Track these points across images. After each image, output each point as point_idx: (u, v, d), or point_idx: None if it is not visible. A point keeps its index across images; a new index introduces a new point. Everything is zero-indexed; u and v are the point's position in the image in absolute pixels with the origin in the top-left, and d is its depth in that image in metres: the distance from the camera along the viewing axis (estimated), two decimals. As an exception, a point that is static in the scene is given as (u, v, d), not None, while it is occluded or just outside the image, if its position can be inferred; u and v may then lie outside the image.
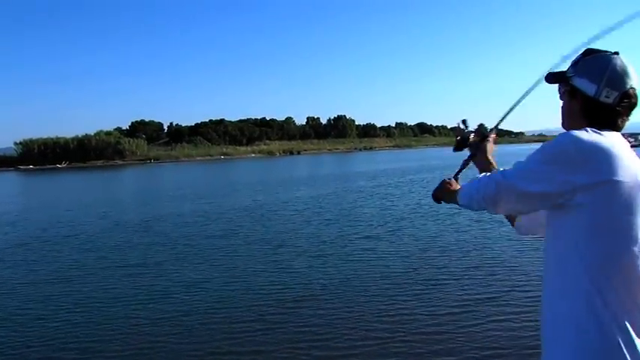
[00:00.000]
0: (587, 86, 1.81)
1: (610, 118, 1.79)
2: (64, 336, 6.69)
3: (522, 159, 1.79)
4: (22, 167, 65.11)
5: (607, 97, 1.77)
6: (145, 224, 15.84)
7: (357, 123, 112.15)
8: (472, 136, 2.39)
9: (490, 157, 2.34)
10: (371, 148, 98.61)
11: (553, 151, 1.70)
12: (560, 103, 1.96)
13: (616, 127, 1.80)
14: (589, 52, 1.86)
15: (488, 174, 1.90)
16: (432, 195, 2.35)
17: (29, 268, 10.72)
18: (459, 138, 2.40)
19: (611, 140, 1.68)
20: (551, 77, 1.99)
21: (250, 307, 7.39)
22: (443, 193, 2.29)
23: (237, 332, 6.46)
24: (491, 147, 2.37)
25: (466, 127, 2.41)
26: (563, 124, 1.93)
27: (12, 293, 8.92)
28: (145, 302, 7.92)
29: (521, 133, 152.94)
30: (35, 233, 15.13)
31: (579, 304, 1.67)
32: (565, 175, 1.65)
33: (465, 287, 7.79)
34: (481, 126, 2.43)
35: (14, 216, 19.65)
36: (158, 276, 9.49)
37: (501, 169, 1.86)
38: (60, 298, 8.44)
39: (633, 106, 1.81)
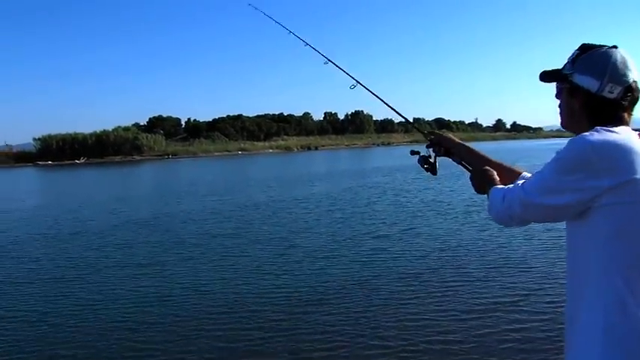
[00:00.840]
0: (589, 82, 1.75)
1: (615, 113, 1.74)
2: (64, 335, 6.53)
3: (540, 169, 1.77)
4: (40, 163, 65.58)
5: (610, 92, 1.73)
6: (156, 221, 15.66)
7: (374, 118, 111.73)
8: (433, 156, 2.45)
9: (477, 156, 2.27)
10: (389, 144, 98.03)
11: (573, 159, 1.66)
12: (557, 101, 1.91)
13: (623, 122, 1.74)
14: (586, 48, 1.80)
15: (509, 190, 1.88)
16: (475, 187, 2.20)
17: (39, 263, 10.66)
18: (426, 166, 2.46)
19: (627, 136, 1.66)
20: (546, 76, 1.92)
21: (261, 309, 7.14)
22: (485, 183, 2.12)
23: (249, 333, 6.29)
24: (458, 144, 2.36)
25: (424, 155, 2.48)
26: (563, 123, 1.90)
27: (19, 288, 8.83)
28: (149, 302, 7.71)
29: (540, 129, 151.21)
30: (46, 229, 15.06)
31: (611, 305, 1.63)
32: (590, 182, 1.62)
33: (483, 290, 7.44)
34: (433, 138, 2.47)
35: (28, 212, 19.60)
36: (163, 276, 9.27)
37: (521, 183, 1.84)
38: (64, 295, 8.31)
39: (636, 100, 1.77)
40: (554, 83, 1.91)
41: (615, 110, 1.73)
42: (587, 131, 1.68)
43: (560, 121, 1.92)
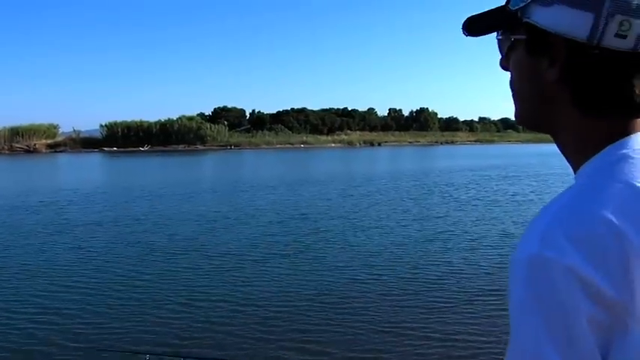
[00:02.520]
0: (570, 19, 0.75)
1: (631, 90, 0.75)
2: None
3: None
4: (106, 149, 66.54)
5: (621, 34, 0.73)
6: (203, 216, 15.05)
7: (439, 116, 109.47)
8: None
9: None
10: (452, 142, 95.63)
11: (545, 286, 0.67)
12: (508, 76, 0.89)
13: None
14: None
15: None
16: None
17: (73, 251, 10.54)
18: None
19: None
20: (476, 23, 0.87)
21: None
22: None
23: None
24: None
25: None
26: (521, 115, 0.90)
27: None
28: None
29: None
30: (100, 215, 15.07)
31: None
32: (595, 307, 0.65)
33: None
34: None
35: (85, 196, 19.66)
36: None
37: None
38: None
39: None
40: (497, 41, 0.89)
41: (633, 79, 0.75)
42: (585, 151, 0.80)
43: (514, 111, 0.90)
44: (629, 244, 0.66)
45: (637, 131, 0.77)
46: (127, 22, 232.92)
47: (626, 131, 0.77)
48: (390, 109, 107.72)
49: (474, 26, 0.86)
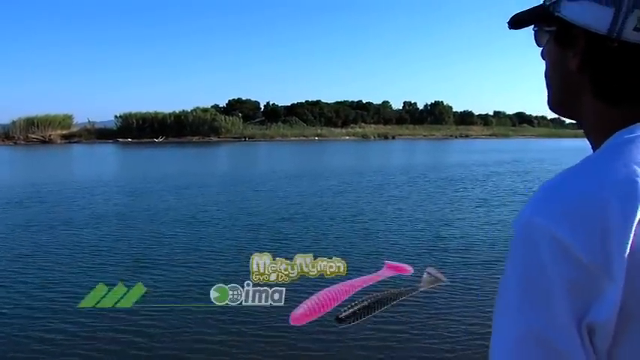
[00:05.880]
0: (592, 14, 0.83)
1: None
2: None
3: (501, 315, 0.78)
4: (120, 140, 66.62)
5: (638, 28, 0.80)
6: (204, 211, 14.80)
7: (454, 110, 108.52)
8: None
9: None
10: (467, 136, 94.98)
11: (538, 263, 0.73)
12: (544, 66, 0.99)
13: None
14: None
15: None
16: None
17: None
18: None
19: None
20: (518, 19, 0.98)
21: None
22: None
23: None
24: None
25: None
26: (553, 101, 0.97)
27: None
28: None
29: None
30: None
31: None
32: (575, 271, 0.71)
33: None
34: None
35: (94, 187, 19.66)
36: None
37: None
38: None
39: None
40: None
41: None
42: (595, 129, 0.88)
43: (546, 97, 0.98)
44: (613, 216, 0.70)
45: None
46: (143, 14, 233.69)
47: (639, 118, 0.82)
48: (404, 102, 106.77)
49: (518, 21, 0.97)
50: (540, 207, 0.76)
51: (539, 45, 0.97)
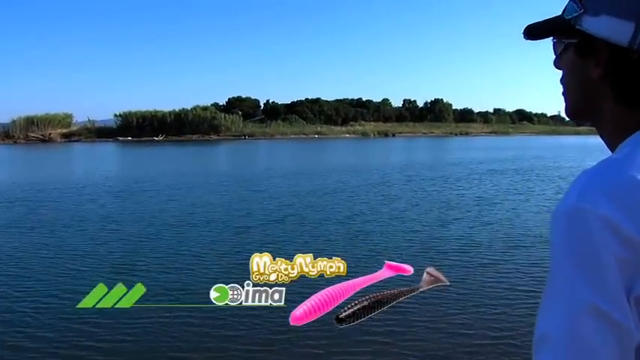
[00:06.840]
0: (614, 27, 0.89)
1: None
2: None
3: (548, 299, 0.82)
4: (120, 138, 66.64)
5: None
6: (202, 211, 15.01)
7: (454, 107, 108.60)
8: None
9: None
10: (467, 134, 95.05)
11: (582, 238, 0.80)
12: (560, 73, 1.05)
13: None
14: None
15: None
16: None
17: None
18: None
19: None
20: (535, 29, 1.04)
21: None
22: None
23: None
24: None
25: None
26: (571, 108, 1.04)
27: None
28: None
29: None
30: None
31: None
32: (625, 250, 0.78)
33: None
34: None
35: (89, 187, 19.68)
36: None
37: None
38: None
39: None
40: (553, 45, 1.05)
41: None
42: (614, 130, 0.94)
43: (564, 105, 1.05)
44: None
45: None
46: (143, 12, 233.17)
47: None
48: (404, 100, 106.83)
49: (534, 32, 1.03)
50: (587, 193, 0.81)
51: (556, 55, 1.03)
